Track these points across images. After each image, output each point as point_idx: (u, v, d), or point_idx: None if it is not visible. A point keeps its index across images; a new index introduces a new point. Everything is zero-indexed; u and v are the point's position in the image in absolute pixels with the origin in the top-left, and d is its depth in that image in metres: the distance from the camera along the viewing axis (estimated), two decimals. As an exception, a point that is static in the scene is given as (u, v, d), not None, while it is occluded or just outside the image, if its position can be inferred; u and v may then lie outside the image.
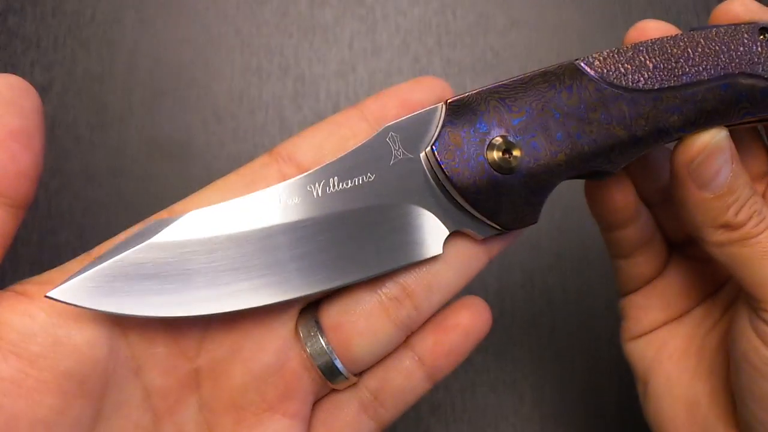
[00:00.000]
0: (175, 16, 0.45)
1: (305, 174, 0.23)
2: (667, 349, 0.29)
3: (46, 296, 0.20)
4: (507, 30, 0.46)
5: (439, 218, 0.23)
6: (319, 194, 0.23)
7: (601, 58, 0.23)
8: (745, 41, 0.24)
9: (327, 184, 0.23)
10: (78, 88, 0.43)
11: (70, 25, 0.45)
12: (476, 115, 0.23)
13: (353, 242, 0.23)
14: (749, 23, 0.24)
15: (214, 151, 0.43)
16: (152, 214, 0.24)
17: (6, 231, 0.22)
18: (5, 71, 0.43)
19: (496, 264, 0.42)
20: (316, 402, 0.25)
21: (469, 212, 0.23)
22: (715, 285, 0.29)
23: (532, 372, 0.40)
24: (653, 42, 0.24)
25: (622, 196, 0.27)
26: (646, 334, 0.29)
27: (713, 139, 0.23)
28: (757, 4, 0.26)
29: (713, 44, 0.23)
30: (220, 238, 0.22)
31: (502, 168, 0.22)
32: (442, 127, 0.23)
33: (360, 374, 0.25)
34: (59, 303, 0.21)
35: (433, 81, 0.26)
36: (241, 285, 0.22)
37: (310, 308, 0.25)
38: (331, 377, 0.24)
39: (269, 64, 0.45)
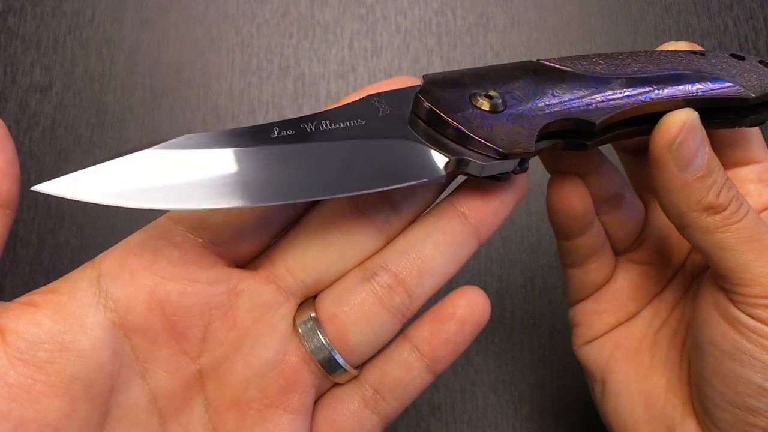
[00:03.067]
0: (175, 16, 0.45)
1: (298, 116, 0.23)
2: (621, 348, 0.30)
3: (32, 189, 0.20)
4: (507, 30, 0.46)
5: (436, 150, 0.23)
6: (313, 130, 0.23)
7: (557, 59, 0.25)
8: (685, 58, 0.26)
9: (320, 124, 0.23)
10: (78, 88, 0.43)
11: (70, 25, 0.45)
12: (453, 80, 0.24)
13: (353, 162, 0.23)
14: (683, 51, 0.27)
15: (214, 151, 0.43)
16: (152, 214, 0.24)
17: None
18: (5, 71, 0.43)
19: (496, 264, 0.42)
20: (318, 398, 0.25)
21: (465, 146, 0.23)
22: (660, 286, 0.31)
23: (532, 372, 0.40)
24: (600, 54, 0.26)
25: (581, 203, 0.28)
26: (599, 337, 0.31)
27: (688, 119, 0.24)
28: (687, 45, 0.28)
29: (656, 56, 0.26)
30: (217, 152, 0.22)
31: (489, 107, 0.23)
32: (425, 86, 0.24)
33: (360, 368, 0.25)
34: (65, 309, 0.21)
35: (407, 79, 0.26)
36: (236, 185, 0.22)
37: (307, 303, 0.25)
38: (330, 370, 0.24)
39: (269, 64, 0.45)
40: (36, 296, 0.22)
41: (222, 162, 0.22)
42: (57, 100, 0.43)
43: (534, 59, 0.25)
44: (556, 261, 0.42)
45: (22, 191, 0.42)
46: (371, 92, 0.25)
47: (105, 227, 0.41)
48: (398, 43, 0.46)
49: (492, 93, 0.24)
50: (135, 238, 0.23)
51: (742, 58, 0.27)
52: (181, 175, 0.22)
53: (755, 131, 0.28)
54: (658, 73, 0.25)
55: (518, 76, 0.24)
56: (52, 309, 0.21)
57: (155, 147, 0.22)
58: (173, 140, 0.22)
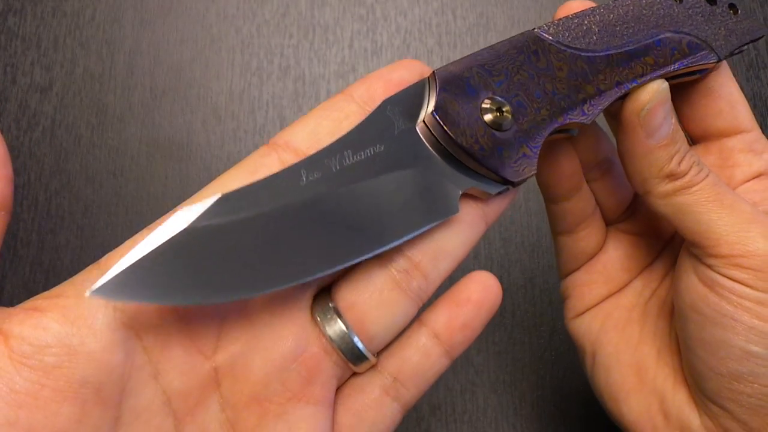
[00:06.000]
0: (175, 16, 0.45)
1: (321, 149, 0.23)
2: (611, 319, 0.30)
3: (89, 294, 0.20)
4: (507, 30, 0.46)
5: (448, 181, 0.24)
6: (338, 168, 0.23)
7: (553, 26, 0.26)
8: (664, 6, 0.28)
9: (343, 157, 0.23)
10: (78, 88, 0.43)
11: (70, 25, 0.45)
12: (463, 81, 0.24)
13: (378, 211, 0.23)
14: None
15: (214, 151, 0.43)
16: (152, 214, 0.24)
17: None
18: (5, 71, 0.43)
19: (496, 264, 0.42)
20: (338, 388, 0.25)
21: (474, 172, 0.24)
22: (651, 257, 0.31)
23: (532, 372, 0.40)
24: (592, 11, 0.27)
25: (569, 164, 0.29)
26: (590, 309, 0.31)
27: (659, 88, 0.26)
28: None
29: (640, 9, 0.27)
30: (256, 217, 0.22)
31: (497, 125, 0.24)
32: (438, 94, 0.24)
33: (378, 356, 0.25)
34: (72, 312, 0.21)
35: (412, 62, 0.26)
36: (282, 263, 0.22)
37: (322, 293, 0.25)
38: (352, 358, 0.24)
39: (269, 64, 0.45)
40: (40, 301, 0.22)
41: (261, 234, 0.22)
42: (57, 100, 0.43)
43: (532, 28, 0.26)
44: (556, 261, 0.42)
45: (22, 191, 0.42)
46: (376, 81, 0.25)
47: (105, 228, 0.41)
48: (398, 43, 0.46)
49: (501, 104, 0.24)
50: (141, 236, 0.23)
51: (714, 2, 0.28)
52: (223, 261, 0.21)
53: (741, 100, 0.29)
54: (644, 41, 0.27)
55: (521, 65, 0.25)
56: (59, 312, 0.21)
57: (195, 219, 0.21)
58: (208, 206, 0.22)
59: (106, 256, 0.23)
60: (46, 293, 0.22)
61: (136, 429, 0.22)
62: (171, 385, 0.23)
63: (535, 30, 0.26)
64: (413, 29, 0.46)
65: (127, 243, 0.23)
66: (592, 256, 0.31)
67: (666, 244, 0.31)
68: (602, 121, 0.31)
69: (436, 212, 0.24)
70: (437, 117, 0.23)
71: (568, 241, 0.31)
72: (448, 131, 0.23)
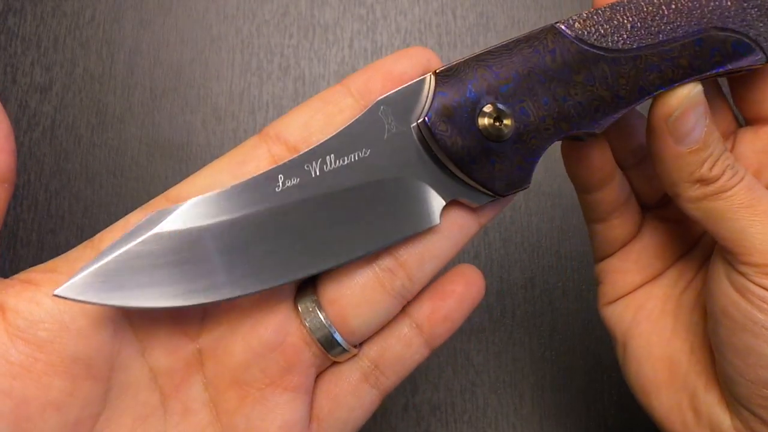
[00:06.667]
0: (175, 16, 0.45)
1: (303, 153, 0.23)
2: (644, 310, 0.29)
3: (54, 295, 0.20)
4: (507, 30, 0.46)
5: (434, 189, 0.24)
6: (317, 173, 0.23)
7: (581, 20, 0.23)
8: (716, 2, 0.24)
9: (324, 162, 0.23)
10: (78, 88, 0.43)
11: (70, 25, 0.45)
12: (465, 84, 0.23)
13: (354, 219, 0.23)
14: None
15: (214, 151, 0.43)
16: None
17: None
18: (5, 71, 0.43)
19: (496, 264, 0.42)
20: (319, 374, 0.26)
21: (463, 181, 0.24)
22: (687, 246, 0.30)
23: (532, 372, 0.40)
24: (629, 1, 0.24)
25: (600, 156, 0.27)
26: (623, 297, 0.30)
27: (690, 93, 0.24)
28: None
29: (685, 1, 0.24)
30: (225, 223, 0.22)
31: (494, 136, 0.23)
32: (433, 98, 0.23)
33: (360, 345, 0.26)
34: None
35: (418, 50, 0.26)
36: (249, 269, 0.22)
37: (307, 284, 0.25)
38: (330, 350, 0.24)
39: (269, 64, 0.45)
40: (35, 274, 0.22)
41: (230, 240, 0.22)
42: (57, 100, 0.43)
43: (555, 22, 0.24)
44: (556, 261, 0.42)
45: (22, 191, 0.42)
46: (377, 73, 0.25)
47: (105, 227, 0.41)
48: (398, 43, 0.46)
49: (502, 113, 0.23)
50: (133, 217, 0.24)
51: None
52: (190, 266, 0.22)
53: None
54: (682, 40, 0.24)
55: (533, 67, 0.23)
56: (52, 288, 0.21)
57: (165, 223, 0.22)
58: (179, 210, 0.22)
59: (99, 234, 0.24)
60: (40, 266, 0.23)
61: (124, 403, 0.23)
62: (157, 363, 0.24)
63: (557, 24, 0.24)
64: (413, 29, 0.46)
65: (120, 223, 0.24)
66: (626, 243, 0.30)
67: (702, 234, 0.30)
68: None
69: (415, 222, 0.24)
70: (429, 123, 0.23)
71: (602, 229, 0.29)
72: (438, 140, 0.23)
